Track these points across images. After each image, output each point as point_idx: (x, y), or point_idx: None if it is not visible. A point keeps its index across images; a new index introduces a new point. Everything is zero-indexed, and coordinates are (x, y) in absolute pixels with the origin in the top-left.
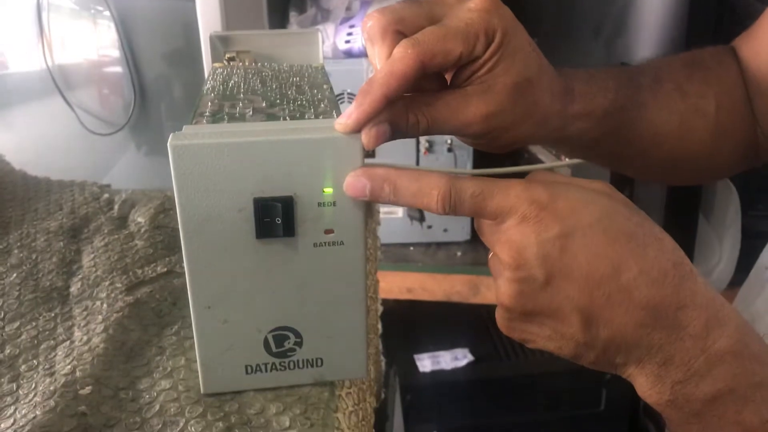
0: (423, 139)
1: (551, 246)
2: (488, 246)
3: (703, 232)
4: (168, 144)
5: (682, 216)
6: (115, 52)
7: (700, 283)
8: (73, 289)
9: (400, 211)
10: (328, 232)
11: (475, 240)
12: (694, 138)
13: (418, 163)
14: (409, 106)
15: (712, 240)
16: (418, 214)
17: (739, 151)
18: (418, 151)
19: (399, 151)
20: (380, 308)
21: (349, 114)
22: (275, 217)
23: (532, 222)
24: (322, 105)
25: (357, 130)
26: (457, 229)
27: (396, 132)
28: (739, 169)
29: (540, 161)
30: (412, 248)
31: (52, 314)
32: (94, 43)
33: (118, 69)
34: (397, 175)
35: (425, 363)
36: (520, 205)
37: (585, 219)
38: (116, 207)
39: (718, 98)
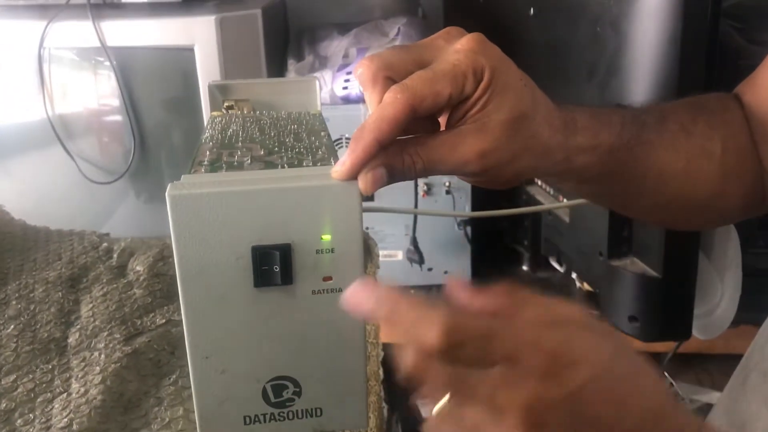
0: (421, 182)
1: (573, 400)
2: (470, 395)
3: (704, 271)
4: (166, 194)
5: (682, 255)
6: (115, 101)
7: (682, 407)
8: (71, 339)
9: (399, 254)
10: (326, 279)
11: (476, 282)
12: (700, 179)
13: (416, 205)
14: (404, 148)
15: (714, 278)
16: (417, 257)
17: (747, 196)
18: (416, 193)
19: (398, 193)
20: (381, 353)
21: (343, 161)
22: (273, 266)
23: (552, 375)
24: (320, 152)
25: (352, 176)
26: (458, 271)
27: (393, 175)
28: (747, 215)
29: (539, 203)
30: (413, 291)
31: (50, 366)
32: (94, 93)
33: (117, 118)
34: (396, 300)
35: (429, 409)
36: (535, 355)
37: (597, 364)
38: (115, 256)
39: (724, 141)
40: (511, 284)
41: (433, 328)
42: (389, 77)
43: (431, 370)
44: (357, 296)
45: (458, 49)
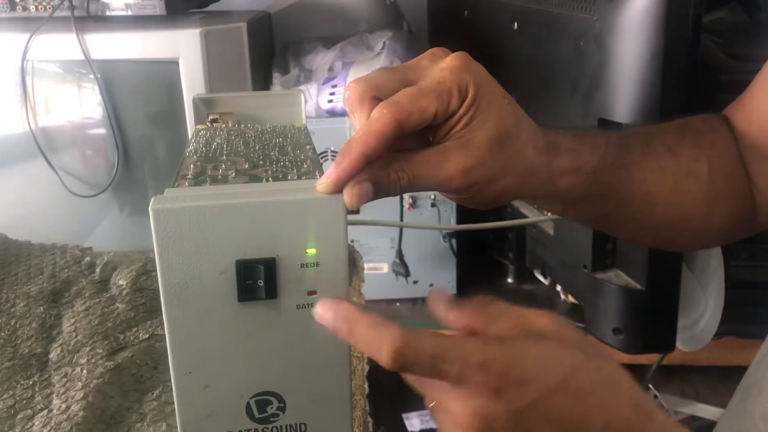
0: (407, 195)
1: (520, 417)
2: (439, 404)
3: (687, 283)
4: (149, 208)
5: (665, 268)
6: (99, 114)
7: (659, 420)
8: (53, 355)
9: (385, 267)
10: (311, 293)
11: (462, 295)
12: (688, 200)
13: (402, 218)
14: (389, 163)
15: (697, 291)
16: (403, 270)
17: (735, 217)
18: (402, 206)
19: (383, 206)
20: (366, 367)
21: (329, 174)
22: (257, 280)
23: (498, 393)
24: (305, 166)
25: (338, 189)
26: (443, 284)
27: (378, 190)
28: (736, 237)
29: (524, 216)
30: (398, 304)
31: (30, 382)
32: (77, 106)
33: (101, 131)
34: (356, 318)
35: (414, 422)
36: (482, 374)
37: (549, 381)
38: (98, 270)
39: (711, 161)
40: (489, 297)
41: (384, 349)
42: (376, 97)
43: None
44: (326, 313)
45: (443, 66)
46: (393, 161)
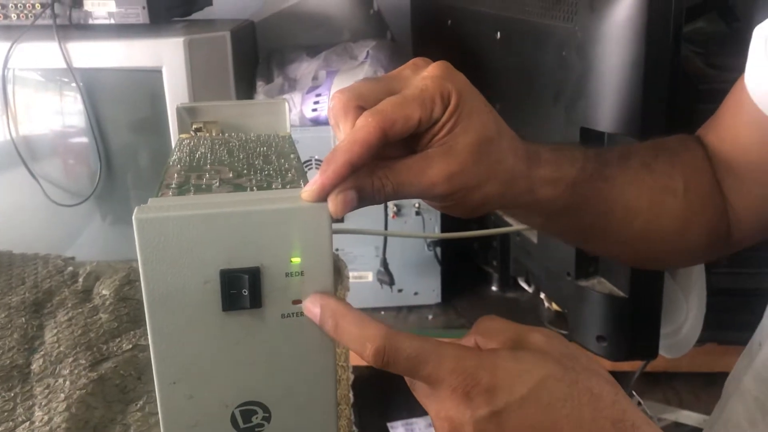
0: (391, 203)
1: (486, 424)
2: (422, 406)
3: (669, 291)
4: (133, 217)
5: (648, 275)
6: (81, 123)
7: None
8: (35, 366)
9: (370, 276)
10: (296, 302)
11: (447, 303)
12: (665, 215)
13: (386, 227)
14: (373, 171)
15: (679, 298)
16: (387, 278)
17: (711, 234)
18: (386, 215)
19: (368, 214)
20: (351, 377)
21: (314, 181)
22: (242, 289)
23: (466, 399)
24: (289, 174)
25: (323, 197)
26: (428, 293)
27: (362, 198)
28: (712, 255)
29: (507, 224)
30: (383, 312)
31: (12, 394)
32: (59, 114)
33: (83, 139)
34: (342, 314)
35: (399, 431)
36: (453, 379)
37: (518, 391)
38: (80, 280)
39: (686, 179)
40: (492, 315)
41: (367, 347)
42: (360, 106)
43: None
44: (314, 307)
45: (425, 75)
46: (377, 169)
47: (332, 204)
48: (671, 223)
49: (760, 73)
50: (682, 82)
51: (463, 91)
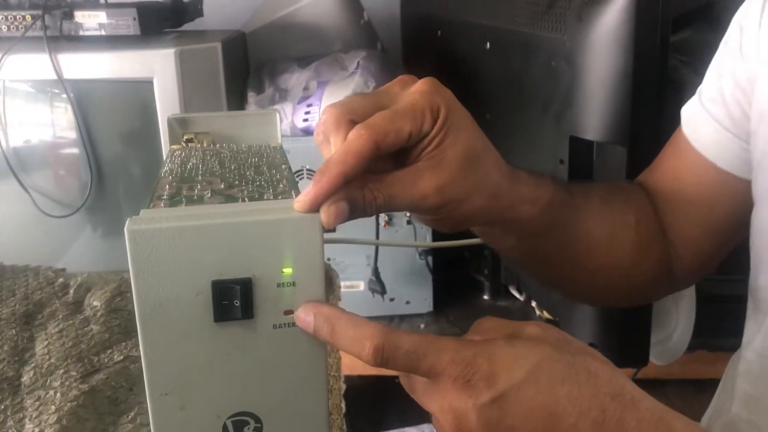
0: (383, 213)
1: (489, 410)
2: (422, 405)
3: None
4: (125, 229)
5: None
6: (72, 134)
7: (644, 408)
8: (25, 378)
9: (361, 285)
10: (287, 312)
11: (438, 312)
12: (621, 248)
13: (378, 236)
14: (365, 184)
15: (669, 306)
16: (379, 287)
17: (659, 270)
18: (377, 224)
19: (359, 224)
20: (343, 386)
21: (306, 192)
22: (233, 300)
23: (467, 387)
24: (281, 185)
25: (315, 208)
26: (420, 301)
27: (354, 210)
28: (659, 292)
29: None
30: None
31: (2, 406)
32: (50, 125)
33: (74, 150)
34: (337, 318)
35: None
36: (453, 369)
37: (517, 375)
38: (71, 291)
39: (637, 215)
40: (489, 316)
41: (366, 345)
42: (352, 120)
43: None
44: (306, 315)
45: (414, 91)
46: (368, 182)
47: (325, 215)
48: (626, 257)
49: (695, 116)
50: (669, 90)
51: (451, 106)
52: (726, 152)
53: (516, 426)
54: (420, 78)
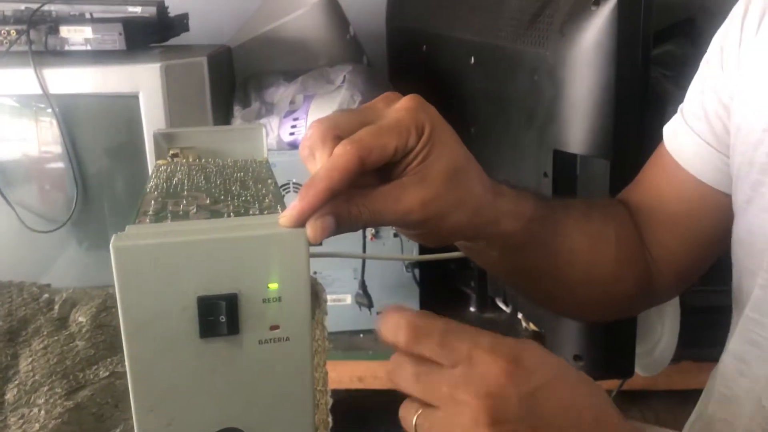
0: None
1: (531, 400)
2: (445, 398)
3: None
4: (110, 245)
5: None
6: (57, 149)
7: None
8: (9, 396)
9: (348, 298)
10: (273, 328)
11: None
12: (601, 261)
13: (364, 249)
14: (351, 199)
15: (653, 317)
16: (366, 301)
17: (638, 285)
18: (364, 237)
19: (346, 237)
20: (330, 401)
21: (293, 206)
22: (219, 316)
23: (510, 376)
24: (267, 200)
25: (301, 223)
26: None
27: (340, 224)
28: (638, 306)
29: None
30: (361, 335)
31: None
32: (35, 140)
33: (59, 165)
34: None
35: None
36: (493, 356)
37: (549, 372)
38: (56, 307)
39: (616, 230)
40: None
41: (402, 324)
42: (338, 136)
43: (403, 373)
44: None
45: (399, 107)
46: (354, 197)
47: (311, 230)
48: (606, 271)
49: (677, 132)
50: (652, 103)
51: (435, 122)
52: (708, 166)
53: (550, 418)
54: (405, 95)
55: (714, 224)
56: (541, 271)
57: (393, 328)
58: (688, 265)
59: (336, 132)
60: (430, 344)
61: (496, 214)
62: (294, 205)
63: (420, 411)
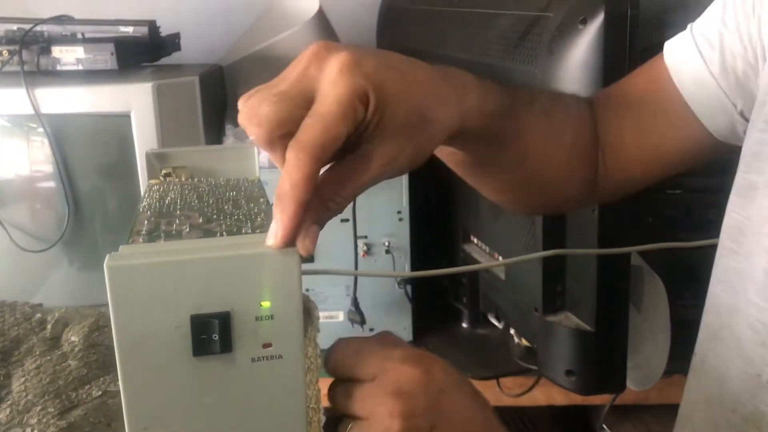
0: (361, 242)
1: (436, 399)
2: (360, 408)
3: (635, 324)
4: (104, 265)
5: (613, 309)
6: (49, 168)
7: None
8: (1, 417)
9: (341, 315)
10: (266, 346)
11: (417, 341)
12: (553, 163)
13: (356, 266)
14: (322, 196)
15: (644, 331)
16: (359, 317)
17: (585, 185)
18: (356, 254)
19: (337, 255)
20: (323, 418)
21: (275, 233)
22: (212, 334)
23: (419, 379)
24: (259, 219)
25: (288, 244)
26: (399, 330)
27: (324, 222)
28: (581, 204)
29: (477, 261)
30: None
31: None
32: (26, 159)
33: (51, 184)
34: None
35: None
36: (407, 366)
37: (452, 380)
38: (49, 327)
39: (573, 134)
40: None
41: (328, 355)
42: (284, 135)
43: (335, 396)
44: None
45: (334, 78)
46: (324, 193)
47: (301, 246)
48: (557, 172)
49: (682, 49)
50: None
51: (377, 81)
52: (701, 95)
53: (448, 417)
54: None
55: (680, 145)
56: (491, 165)
57: (324, 361)
58: (637, 170)
59: (280, 131)
60: (349, 366)
61: (461, 114)
62: (275, 231)
63: (351, 425)
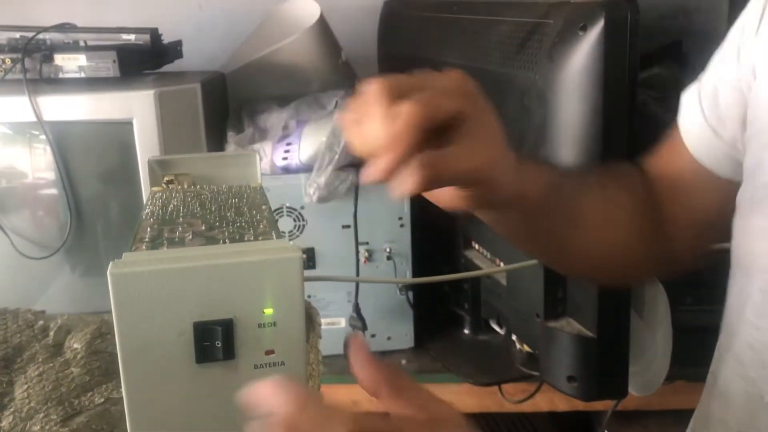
0: (362, 248)
1: None
2: None
3: (636, 330)
4: (108, 273)
5: (615, 315)
6: (51, 175)
7: None
8: (4, 423)
9: (342, 321)
10: (269, 353)
11: (420, 347)
12: (616, 227)
13: (358, 273)
14: (421, 160)
15: (646, 337)
16: (360, 324)
17: (655, 248)
18: (357, 260)
19: (339, 261)
20: None
21: (380, 162)
22: (215, 341)
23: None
24: (261, 226)
25: (389, 175)
26: (401, 337)
27: (427, 184)
28: (658, 270)
29: (478, 267)
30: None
31: None
32: (29, 167)
33: (53, 191)
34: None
35: None
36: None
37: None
38: (51, 334)
39: (631, 196)
40: (398, 370)
41: (336, 428)
42: (396, 97)
43: None
44: (260, 395)
45: (450, 76)
46: (424, 157)
47: (407, 182)
48: (622, 235)
49: (689, 105)
50: (640, 125)
51: (479, 91)
52: (705, 147)
53: None
54: None
55: (711, 204)
56: (557, 237)
57: (330, 426)
58: (691, 237)
59: (395, 92)
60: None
61: (522, 180)
62: (379, 161)
63: None
